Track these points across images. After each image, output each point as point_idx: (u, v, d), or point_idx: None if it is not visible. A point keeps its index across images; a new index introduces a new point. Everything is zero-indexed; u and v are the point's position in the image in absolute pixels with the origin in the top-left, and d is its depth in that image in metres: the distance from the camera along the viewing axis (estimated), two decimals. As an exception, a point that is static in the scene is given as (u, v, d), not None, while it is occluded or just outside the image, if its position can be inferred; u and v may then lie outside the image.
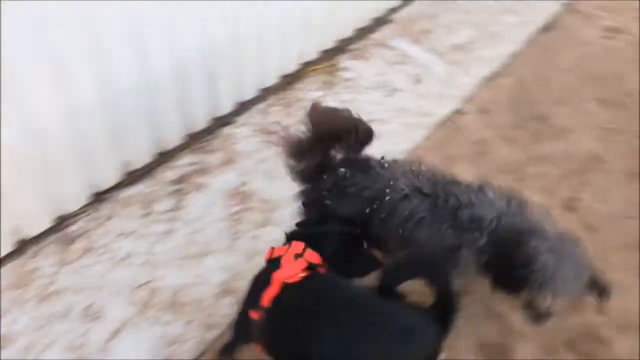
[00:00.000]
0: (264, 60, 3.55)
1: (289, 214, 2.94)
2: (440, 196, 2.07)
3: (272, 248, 2.02)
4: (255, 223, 2.92)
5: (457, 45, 4.37)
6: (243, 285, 2.59)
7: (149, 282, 2.61)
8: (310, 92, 3.79)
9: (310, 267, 1.89)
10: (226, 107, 3.42)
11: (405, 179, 2.14)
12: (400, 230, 2.08)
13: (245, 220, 2.92)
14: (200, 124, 3.31)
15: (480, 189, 2.10)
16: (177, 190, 3.03)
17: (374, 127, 3.55)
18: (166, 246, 2.78)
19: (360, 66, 4.09)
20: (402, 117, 3.68)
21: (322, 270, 1.91)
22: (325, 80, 3.91)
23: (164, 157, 3.16)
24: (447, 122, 3.66)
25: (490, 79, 4.04)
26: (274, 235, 2.83)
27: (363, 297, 1.78)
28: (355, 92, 3.84)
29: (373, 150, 3.34)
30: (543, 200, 3.12)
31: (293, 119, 3.55)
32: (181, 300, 2.57)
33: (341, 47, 4.22)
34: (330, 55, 4.12)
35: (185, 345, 2.40)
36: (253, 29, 3.30)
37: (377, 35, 4.44)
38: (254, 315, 1.87)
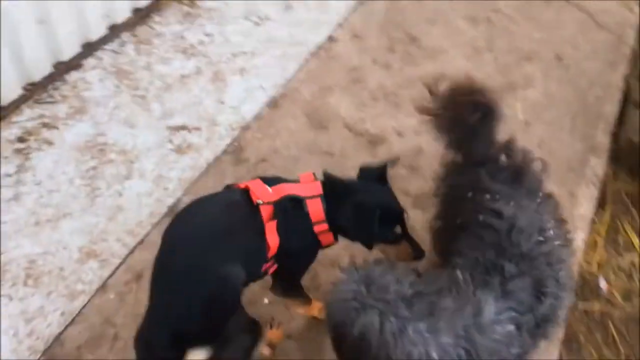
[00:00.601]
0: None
1: (154, 163, 2.72)
2: None
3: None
4: (116, 177, 2.65)
5: (327, -32, 4.14)
6: (107, 247, 2.40)
7: (-2, 255, 2.31)
8: (170, 26, 3.46)
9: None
10: (70, 50, 3.01)
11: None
12: None
13: (103, 176, 2.64)
14: (41, 71, 2.90)
15: None
16: (21, 150, 2.68)
17: (243, 60, 3.37)
18: (15, 213, 2.46)
19: (225, -6, 3.77)
20: (274, 49, 3.47)
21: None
22: (187, 12, 3.57)
23: (2, 113, 2.75)
24: (320, 51, 3.50)
25: (362, 3, 3.89)
26: (139, 188, 2.60)
27: None
28: (221, 24, 3.55)
29: (245, 85, 3.17)
30: (417, 123, 3.10)
31: (153, 57, 3.22)
32: (38, 271, 2.30)
33: (202, -26, 3.85)
34: (190, -17, 3.76)
35: (48, 319, 2.18)
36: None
37: (242, -41, 4.10)
38: None
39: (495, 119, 1.92)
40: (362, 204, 1.82)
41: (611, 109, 3.47)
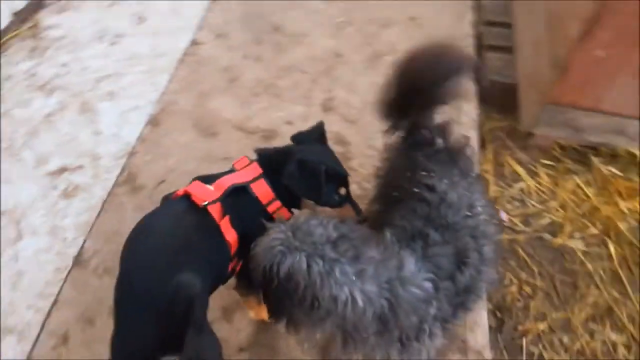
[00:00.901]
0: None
1: (43, 215, 2.52)
2: None
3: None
4: (5, 242, 2.46)
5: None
6: (19, 318, 2.20)
7: None
8: (19, 65, 3.18)
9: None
10: None
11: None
12: None
13: None
14: None
15: None
16: None
17: (109, 84, 3.19)
18: None
19: (69, 19, 3.53)
20: (138, 65, 3.31)
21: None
22: (32, 47, 3.29)
23: None
24: (187, 58, 3.40)
25: (215, 2, 3.82)
26: (35, 246, 2.41)
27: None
28: (74, 51, 3.32)
29: (117, 109, 3.00)
30: (303, 109, 3.14)
31: (9, 103, 2.95)
32: None
33: (38, 3, 3.56)
34: (27, 14, 3.46)
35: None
36: None
37: (76, -22, 3.85)
38: None
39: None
40: (306, 160, 1.79)
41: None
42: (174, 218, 1.68)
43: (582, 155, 3.25)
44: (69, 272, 2.35)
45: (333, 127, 2.94)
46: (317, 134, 1.95)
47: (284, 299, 1.49)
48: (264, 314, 2.19)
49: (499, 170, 3.23)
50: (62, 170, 2.71)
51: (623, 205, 3.06)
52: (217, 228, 1.68)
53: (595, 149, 3.26)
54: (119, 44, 3.44)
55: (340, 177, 1.91)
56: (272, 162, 1.84)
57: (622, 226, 2.97)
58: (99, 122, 2.96)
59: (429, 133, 1.96)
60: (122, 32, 3.51)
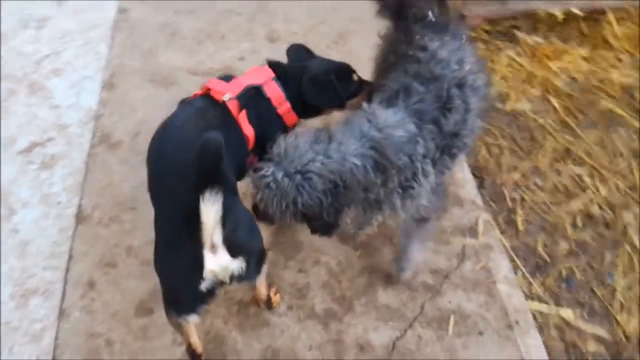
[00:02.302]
0: None
1: (30, 188, 2.50)
2: None
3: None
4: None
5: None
6: (39, 280, 2.22)
7: None
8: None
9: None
10: None
11: None
12: None
13: None
14: None
15: None
16: None
17: (51, 62, 3.13)
18: None
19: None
20: (74, 41, 3.30)
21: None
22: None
23: None
24: (120, 24, 3.40)
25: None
26: (31, 216, 2.42)
27: None
28: (3, 41, 3.25)
29: (68, 82, 2.95)
30: (250, 44, 3.25)
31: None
32: None
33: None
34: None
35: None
36: None
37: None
38: None
39: None
40: (316, 76, 1.96)
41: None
42: (196, 113, 1.77)
43: (507, 32, 3.56)
44: (75, 229, 2.37)
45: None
46: (305, 49, 2.12)
47: (310, 215, 1.66)
48: None
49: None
50: (33, 145, 2.70)
51: (553, 65, 3.40)
52: (235, 122, 1.79)
53: (517, 27, 3.58)
54: (47, 27, 3.39)
55: (346, 70, 2.07)
56: (282, 71, 1.98)
57: (558, 82, 3.30)
58: (54, 97, 2.95)
59: (420, 9, 2.11)
60: (45, 16, 3.46)
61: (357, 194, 1.70)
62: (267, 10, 3.50)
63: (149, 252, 2.18)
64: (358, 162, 1.65)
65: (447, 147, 1.87)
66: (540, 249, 2.56)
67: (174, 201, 1.61)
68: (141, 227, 2.38)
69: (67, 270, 2.25)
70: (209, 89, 1.84)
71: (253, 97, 1.88)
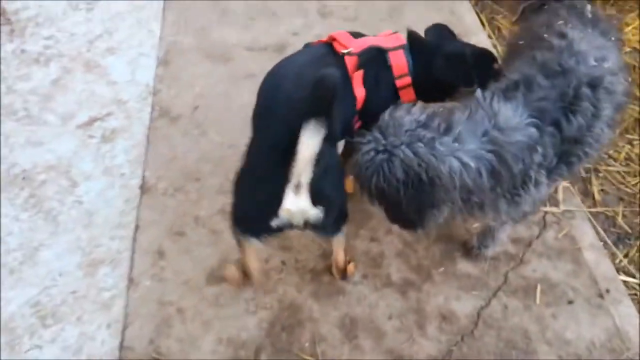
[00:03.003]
0: None
1: (92, 161, 2.46)
2: None
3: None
4: (63, 192, 2.40)
5: None
6: (105, 250, 2.16)
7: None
8: (5, 46, 3.05)
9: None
10: None
11: None
12: None
13: (48, 197, 2.38)
14: None
15: None
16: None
17: (104, 42, 3.09)
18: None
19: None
20: (124, 20, 3.25)
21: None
22: (9, 29, 3.18)
23: None
24: (168, 4, 3.35)
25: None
26: (95, 188, 2.38)
27: None
28: (53, 24, 3.22)
29: (124, 59, 2.91)
30: (303, 20, 3.17)
31: (9, 81, 2.84)
32: (49, 308, 2.04)
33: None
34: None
35: (98, 338, 1.94)
36: None
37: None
38: None
39: None
40: (454, 52, 1.86)
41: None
42: (316, 56, 1.75)
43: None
44: (140, 199, 2.31)
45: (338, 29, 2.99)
46: (448, 30, 2.00)
47: (411, 195, 1.51)
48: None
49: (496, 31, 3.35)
50: (93, 120, 2.65)
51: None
52: (349, 79, 1.72)
53: None
54: (97, 8, 3.35)
55: (486, 56, 1.95)
56: (417, 45, 1.87)
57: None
58: (110, 74, 2.90)
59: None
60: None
61: (450, 195, 1.54)
62: (319, -15, 3.43)
63: (217, 222, 2.15)
64: (472, 164, 1.50)
65: (565, 154, 1.66)
66: (620, 219, 2.43)
67: (276, 131, 1.56)
68: (207, 197, 2.32)
69: (135, 239, 2.19)
70: (333, 39, 1.79)
71: (374, 59, 1.79)
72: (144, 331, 1.96)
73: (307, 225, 1.60)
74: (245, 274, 1.92)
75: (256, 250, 1.86)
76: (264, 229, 1.62)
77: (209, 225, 2.22)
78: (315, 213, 1.55)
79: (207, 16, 3.25)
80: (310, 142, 1.39)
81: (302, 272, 2.13)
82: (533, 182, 1.63)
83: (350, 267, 2.10)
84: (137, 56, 3.02)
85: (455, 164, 1.49)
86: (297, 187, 1.48)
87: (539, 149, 1.59)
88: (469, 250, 2.15)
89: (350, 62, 1.75)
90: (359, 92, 1.76)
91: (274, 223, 1.57)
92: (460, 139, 1.52)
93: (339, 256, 1.99)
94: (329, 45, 1.81)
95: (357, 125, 1.87)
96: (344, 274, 2.07)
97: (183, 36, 3.13)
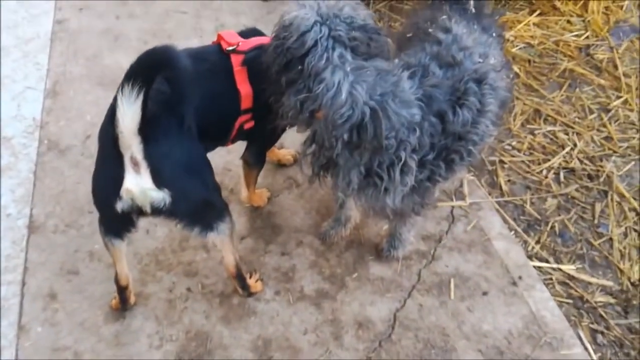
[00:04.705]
0: None
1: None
2: None
3: None
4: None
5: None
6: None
7: None
8: None
9: None
10: None
11: None
12: None
13: None
14: None
15: None
16: None
17: None
18: None
19: None
20: (10, 55, 3.06)
21: None
22: None
23: None
24: (58, 35, 3.18)
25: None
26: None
27: None
28: None
29: (9, 95, 2.72)
30: (199, 41, 3.10)
31: None
32: None
33: None
34: None
35: None
36: None
37: None
38: None
39: None
40: None
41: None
42: (194, 52, 1.72)
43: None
44: (28, 240, 2.13)
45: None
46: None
47: (283, 70, 1.48)
48: (257, 199, 2.17)
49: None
50: (-26, 161, 2.44)
51: (507, 35, 3.36)
52: (232, 75, 1.70)
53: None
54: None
55: None
56: None
57: (515, 50, 3.28)
58: (-7, 110, 2.70)
59: None
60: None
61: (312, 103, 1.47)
62: (213, 6, 3.38)
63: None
64: (343, 95, 1.43)
65: (445, 150, 1.65)
66: (528, 207, 2.46)
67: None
68: (102, 230, 2.16)
69: (24, 283, 2.00)
70: (221, 38, 1.77)
71: (259, 57, 1.72)
72: (37, 383, 1.77)
73: (157, 211, 1.52)
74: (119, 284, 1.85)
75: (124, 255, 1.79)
76: (115, 219, 1.57)
77: (104, 259, 2.06)
78: (159, 196, 1.49)
79: (98, 44, 3.12)
80: (126, 108, 1.34)
81: (210, 297, 2.01)
82: (400, 167, 1.58)
83: (256, 284, 2.00)
84: (23, 90, 2.83)
85: (334, 78, 1.43)
86: (136, 165, 1.44)
87: (417, 130, 1.55)
88: (380, 253, 2.10)
89: (236, 59, 1.72)
90: (244, 88, 1.72)
91: (119, 206, 1.50)
92: (359, 74, 1.46)
93: (227, 260, 1.87)
94: (218, 45, 1.78)
95: (247, 125, 1.81)
96: (249, 292, 1.97)
97: (73, 65, 2.97)
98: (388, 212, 1.72)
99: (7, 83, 2.87)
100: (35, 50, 3.09)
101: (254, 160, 2.03)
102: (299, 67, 1.45)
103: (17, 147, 2.51)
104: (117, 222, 1.62)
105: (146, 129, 1.40)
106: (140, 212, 1.53)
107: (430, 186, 1.72)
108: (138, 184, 1.45)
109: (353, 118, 1.45)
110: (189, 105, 1.52)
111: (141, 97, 1.34)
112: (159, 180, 1.46)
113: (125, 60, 2.76)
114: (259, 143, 1.97)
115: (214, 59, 1.73)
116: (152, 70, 1.35)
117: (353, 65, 1.47)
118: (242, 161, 2.06)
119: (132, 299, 1.91)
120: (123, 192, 1.46)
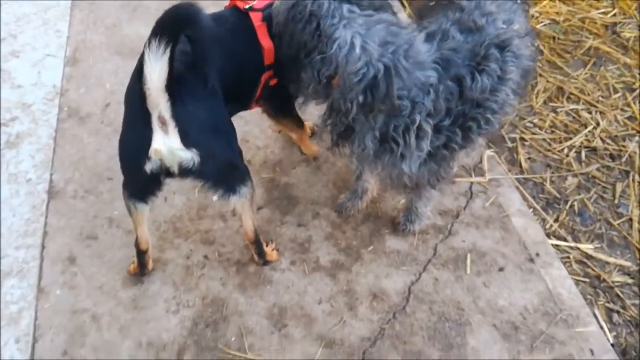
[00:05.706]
0: None
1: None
2: None
3: None
4: (-38, 200, 2.17)
5: None
6: (12, 260, 1.99)
7: None
8: None
9: None
10: None
11: None
12: None
13: None
14: None
15: None
16: None
17: (8, 46, 2.90)
18: None
19: None
20: (30, 22, 3.07)
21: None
22: None
23: None
24: (77, 3, 3.18)
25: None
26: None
27: None
28: None
29: (29, 62, 2.75)
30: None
31: None
32: None
33: None
34: None
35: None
36: None
37: None
38: None
39: None
40: None
41: None
42: (215, 20, 1.70)
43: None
44: (48, 204, 2.15)
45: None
46: None
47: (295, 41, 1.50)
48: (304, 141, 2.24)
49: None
50: (-5, 126, 2.46)
51: (532, 10, 3.30)
52: (252, 32, 1.70)
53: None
54: (1, 12, 3.15)
55: None
56: None
57: (539, 26, 3.20)
58: (15, 78, 2.72)
59: None
60: (-3, 0, 3.23)
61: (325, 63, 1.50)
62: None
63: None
64: (357, 50, 1.43)
65: (462, 117, 1.60)
66: (548, 185, 2.43)
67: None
68: (121, 196, 2.15)
69: (43, 247, 2.03)
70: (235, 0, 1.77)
71: None
72: (56, 343, 1.81)
73: (185, 172, 1.52)
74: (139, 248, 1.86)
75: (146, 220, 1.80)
76: (142, 181, 1.57)
77: (123, 225, 2.08)
78: (187, 156, 1.48)
79: (117, 14, 3.11)
80: (154, 64, 1.33)
81: (227, 265, 2.02)
82: (415, 131, 1.55)
83: (272, 253, 2.00)
84: (43, 57, 2.84)
85: (346, 35, 1.44)
86: (164, 124, 1.43)
87: (432, 94, 1.52)
88: (396, 227, 2.09)
89: (255, 16, 1.72)
90: (266, 42, 1.72)
91: (148, 167, 1.49)
92: (370, 30, 1.46)
93: (246, 225, 1.88)
94: (233, 6, 1.79)
95: (272, 82, 1.82)
96: (265, 260, 1.98)
97: (92, 34, 2.97)
98: (405, 180, 1.70)
99: (27, 50, 2.89)
100: (55, 18, 3.09)
101: (276, 112, 2.05)
102: (317, 32, 1.45)
103: (37, 113, 2.53)
104: (144, 185, 1.61)
105: (173, 88, 1.39)
106: (168, 173, 1.52)
107: (446, 154, 1.69)
108: (166, 144, 1.45)
109: (368, 76, 1.44)
110: (212, 66, 1.51)
111: (168, 52, 1.32)
112: (186, 140, 1.46)
113: (145, 30, 2.76)
114: (284, 94, 1.94)
115: (234, 19, 1.73)
116: (178, 25, 1.33)
117: (363, 19, 1.47)
118: (274, 120, 2.12)
119: (151, 264, 1.93)
120: (152, 152, 1.46)
